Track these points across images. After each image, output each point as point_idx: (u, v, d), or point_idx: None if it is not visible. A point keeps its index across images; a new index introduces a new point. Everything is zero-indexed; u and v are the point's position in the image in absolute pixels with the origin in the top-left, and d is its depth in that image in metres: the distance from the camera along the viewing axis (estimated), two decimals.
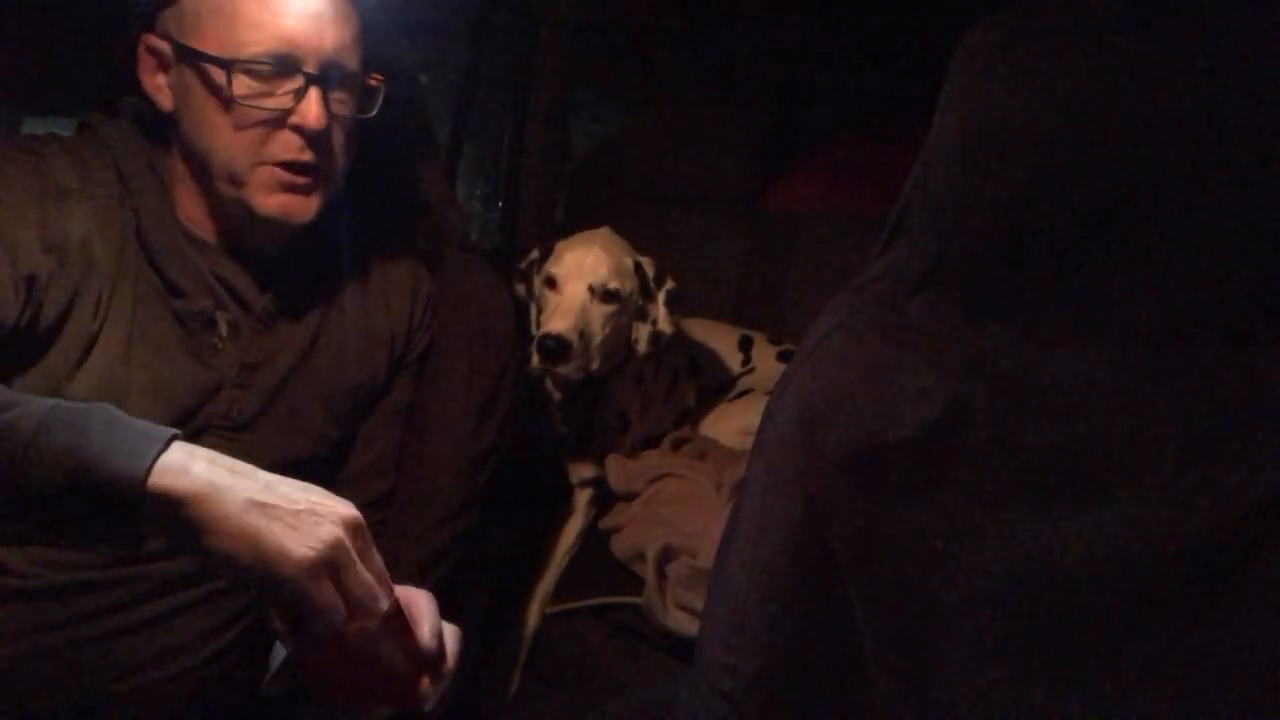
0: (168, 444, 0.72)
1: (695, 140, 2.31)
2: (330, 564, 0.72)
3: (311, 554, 0.71)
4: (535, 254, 1.66)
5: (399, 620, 0.83)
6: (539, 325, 1.57)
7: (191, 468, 0.71)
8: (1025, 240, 0.58)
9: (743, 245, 2.23)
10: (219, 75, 0.89)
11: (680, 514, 1.48)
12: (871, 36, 2.37)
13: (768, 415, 0.71)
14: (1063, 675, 0.56)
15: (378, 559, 0.78)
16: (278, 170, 0.93)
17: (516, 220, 2.34)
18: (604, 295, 1.55)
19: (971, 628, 0.59)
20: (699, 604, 1.25)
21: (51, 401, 0.73)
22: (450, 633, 0.88)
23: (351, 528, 0.75)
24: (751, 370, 1.90)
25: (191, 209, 0.97)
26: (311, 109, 0.91)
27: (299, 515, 0.73)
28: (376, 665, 0.82)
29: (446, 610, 0.89)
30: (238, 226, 0.98)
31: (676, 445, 1.73)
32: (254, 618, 1.00)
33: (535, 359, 1.50)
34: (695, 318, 2.03)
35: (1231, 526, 0.52)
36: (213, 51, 0.89)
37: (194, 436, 0.91)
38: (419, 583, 1.09)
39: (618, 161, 2.42)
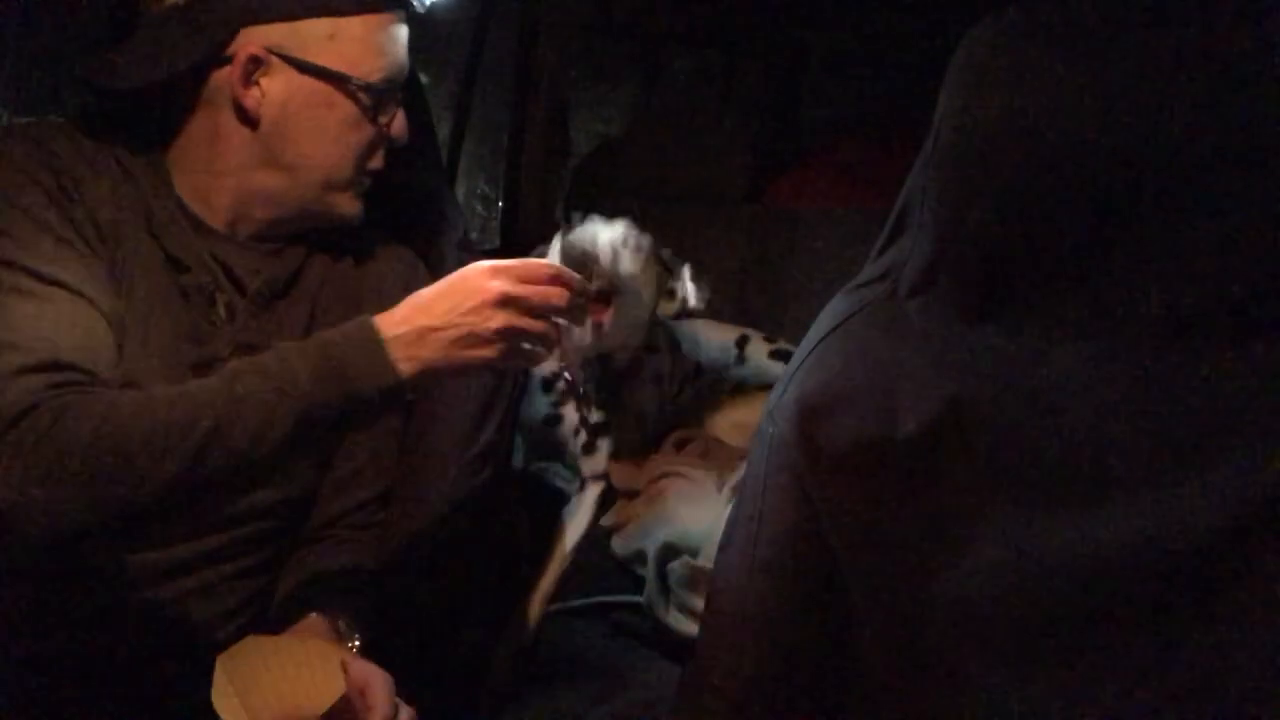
0: (383, 344, 0.87)
1: (695, 140, 2.31)
2: (505, 331, 0.89)
3: (494, 353, 0.90)
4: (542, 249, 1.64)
5: (347, 714, 0.82)
6: None
7: (414, 352, 0.88)
8: (1025, 240, 0.58)
9: (743, 245, 2.23)
10: (343, 92, 0.98)
11: (682, 513, 1.48)
12: (871, 36, 2.37)
13: (768, 415, 0.71)
14: (1063, 675, 0.56)
15: None
16: (367, 179, 1.05)
17: (516, 220, 2.34)
18: (635, 248, 1.48)
19: (971, 627, 0.59)
20: (699, 604, 1.25)
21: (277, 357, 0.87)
22: (406, 715, 0.89)
23: (496, 274, 0.90)
24: (745, 363, 1.91)
25: (195, 195, 0.98)
26: (401, 126, 1.04)
27: (465, 324, 0.88)
28: None
29: (446, 610, 0.89)
30: (243, 215, 1.00)
31: (679, 445, 1.73)
32: (257, 609, 1.01)
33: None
34: (695, 317, 2.03)
35: (1232, 526, 0.52)
36: (349, 71, 0.97)
37: None
38: (419, 582, 1.10)
39: (618, 161, 2.42)
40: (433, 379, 0.91)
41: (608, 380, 1.62)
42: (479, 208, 2.82)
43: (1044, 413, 0.58)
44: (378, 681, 0.86)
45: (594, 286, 0.93)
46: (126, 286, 0.92)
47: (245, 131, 0.97)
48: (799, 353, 0.72)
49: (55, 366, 0.80)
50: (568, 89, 2.33)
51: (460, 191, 2.59)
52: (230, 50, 0.94)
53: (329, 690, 0.82)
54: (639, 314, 1.57)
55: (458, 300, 0.88)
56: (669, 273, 1.64)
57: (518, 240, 2.32)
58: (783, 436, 0.68)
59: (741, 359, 1.92)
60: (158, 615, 0.94)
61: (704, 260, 2.23)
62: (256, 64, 0.94)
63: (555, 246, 1.36)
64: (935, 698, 0.61)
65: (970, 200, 0.61)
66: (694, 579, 1.31)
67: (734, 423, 1.77)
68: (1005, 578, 0.58)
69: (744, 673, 0.69)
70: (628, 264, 1.42)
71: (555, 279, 0.92)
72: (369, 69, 0.98)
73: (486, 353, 0.89)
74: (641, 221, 2.31)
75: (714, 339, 1.94)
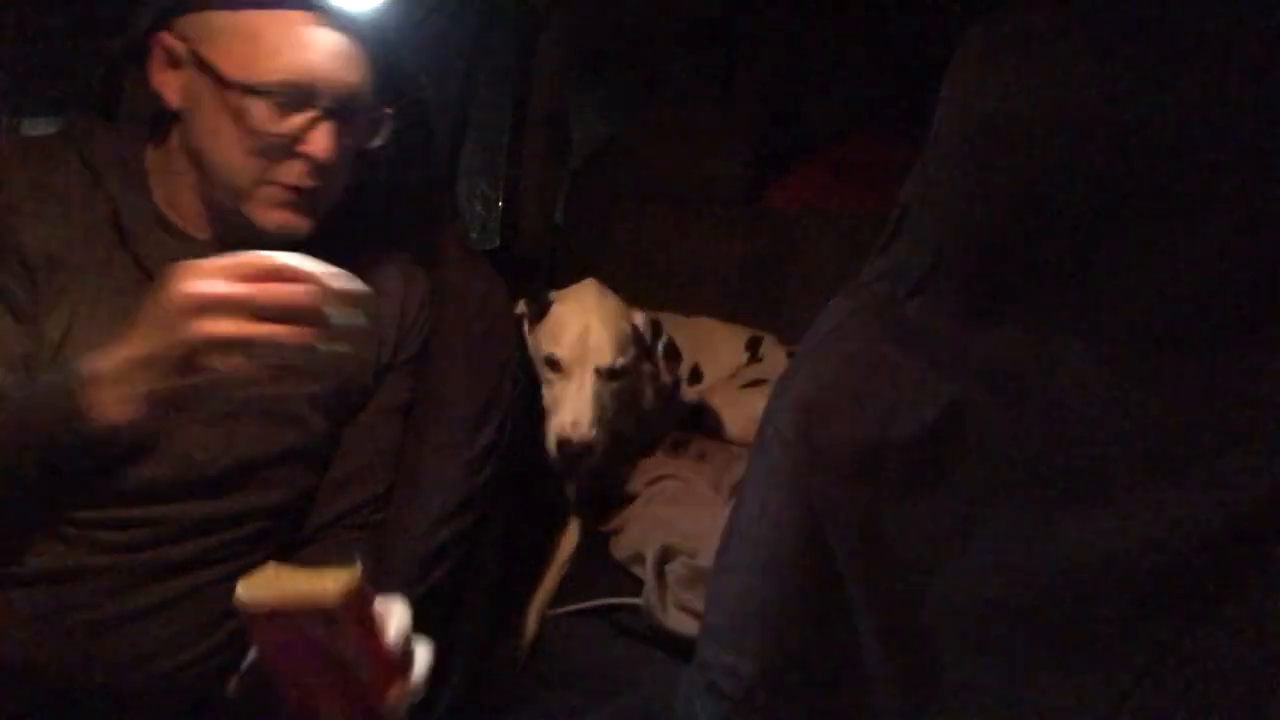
0: (78, 387, 0.75)
1: (695, 140, 2.31)
2: (211, 342, 0.72)
3: (209, 375, 0.72)
4: (522, 308, 1.58)
5: (363, 611, 0.78)
6: (544, 404, 1.52)
7: (122, 390, 0.74)
8: (1024, 240, 0.58)
9: (743, 245, 2.24)
10: (235, 92, 0.90)
11: (680, 514, 1.48)
12: (871, 36, 2.37)
13: (768, 415, 0.71)
14: (1062, 674, 0.56)
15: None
16: (281, 190, 0.95)
17: (516, 220, 2.35)
18: (611, 374, 1.51)
19: (971, 627, 0.59)
20: (699, 604, 1.25)
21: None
22: (423, 649, 0.86)
23: (184, 278, 0.73)
24: (760, 361, 1.91)
25: (179, 201, 0.98)
26: (322, 142, 0.93)
27: (159, 346, 0.73)
28: (340, 666, 0.78)
29: (446, 610, 0.89)
30: (228, 225, 0.98)
31: (676, 447, 1.73)
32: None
33: (554, 454, 1.46)
34: (699, 317, 2.03)
35: (1231, 526, 0.52)
36: (231, 71, 0.90)
37: (178, 424, 0.92)
38: (419, 582, 1.10)
39: (618, 161, 2.42)
40: (169, 411, 0.76)
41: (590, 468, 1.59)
42: (479, 208, 2.82)
43: (1043, 413, 0.58)
44: (396, 605, 0.84)
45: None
46: (71, 309, 0.90)
47: (176, 125, 0.95)
48: (799, 353, 0.72)
49: None
50: (568, 89, 2.33)
51: (460, 192, 2.59)
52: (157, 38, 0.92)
53: (347, 579, 0.81)
54: (628, 409, 1.56)
55: (149, 318, 0.74)
56: (645, 347, 1.61)
57: (518, 241, 2.33)
58: (783, 437, 0.68)
59: (756, 360, 1.92)
60: (155, 616, 0.94)
61: (704, 260, 2.24)
62: (169, 55, 0.92)
63: None
64: (935, 697, 0.61)
65: (970, 201, 0.61)
66: (694, 579, 1.31)
67: (749, 417, 1.75)
68: (1005, 577, 0.58)
69: (745, 672, 0.69)
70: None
71: (272, 274, 0.74)
72: (263, 70, 0.90)
73: (200, 376, 0.72)
74: (642, 221, 2.32)
75: (720, 340, 1.94)
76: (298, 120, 0.92)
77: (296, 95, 0.91)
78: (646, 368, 1.63)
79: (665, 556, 1.38)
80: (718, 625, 0.73)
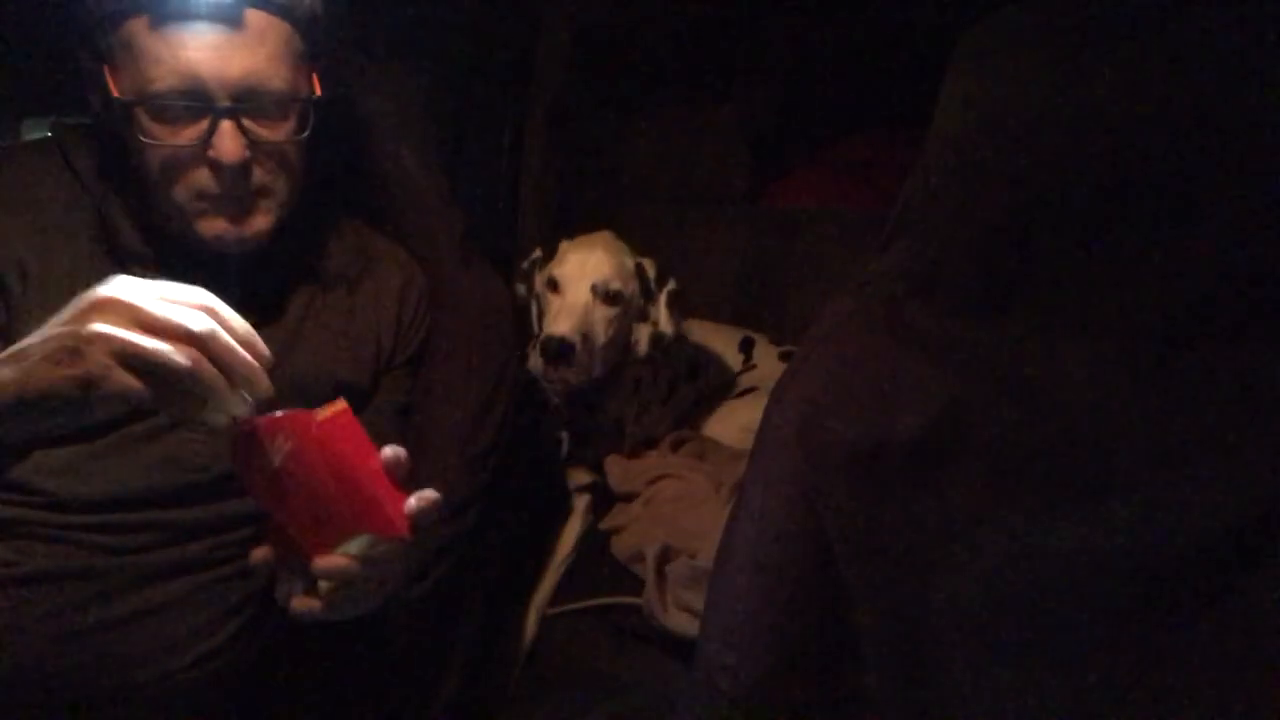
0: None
1: (695, 140, 2.31)
2: (101, 339, 0.64)
3: (79, 369, 0.63)
4: (538, 254, 1.66)
5: (348, 428, 0.73)
6: (540, 326, 1.57)
7: None
8: (1024, 240, 0.58)
9: (743, 245, 2.24)
10: (133, 105, 0.86)
11: (680, 514, 1.48)
12: (871, 36, 2.37)
13: (768, 415, 0.71)
14: (1062, 674, 0.56)
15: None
16: (206, 201, 0.90)
17: (516, 220, 2.35)
18: (606, 297, 1.55)
19: (971, 626, 0.59)
20: (699, 604, 1.25)
21: None
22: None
23: (121, 284, 0.67)
24: (753, 368, 1.90)
25: (152, 216, 0.96)
26: (225, 144, 0.87)
27: (56, 334, 0.65)
28: (339, 483, 0.73)
29: (446, 609, 0.88)
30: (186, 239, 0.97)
31: (676, 445, 1.73)
32: (249, 617, 1.01)
33: (538, 361, 1.49)
34: (695, 319, 2.03)
35: (1232, 525, 0.52)
36: (123, 88, 0.86)
37: (171, 430, 0.92)
38: (418, 583, 1.10)
39: (618, 161, 2.42)
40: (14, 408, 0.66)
41: (582, 394, 1.62)
42: (479, 208, 2.82)
43: (1044, 413, 0.58)
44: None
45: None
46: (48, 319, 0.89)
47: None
48: (799, 353, 0.72)
49: None
50: (568, 89, 2.33)
51: (460, 191, 2.59)
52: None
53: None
54: (617, 344, 1.60)
55: (66, 311, 0.68)
56: (650, 292, 1.65)
57: (518, 241, 2.33)
58: (783, 437, 0.68)
59: (749, 362, 1.92)
60: (159, 616, 0.94)
61: (704, 260, 2.24)
62: (92, 72, 0.90)
63: None
64: (935, 696, 0.61)
65: (970, 200, 0.61)
66: (694, 579, 1.31)
67: (741, 426, 1.76)
68: (1005, 577, 0.58)
69: (745, 672, 0.69)
70: None
71: (203, 312, 0.67)
72: (149, 80, 0.85)
73: (70, 370, 0.64)
74: (641, 221, 2.31)
75: (715, 342, 1.94)
76: (202, 125, 0.87)
77: (188, 99, 0.86)
78: (650, 312, 1.65)
79: (666, 556, 1.38)
80: (718, 625, 0.73)
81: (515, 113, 2.30)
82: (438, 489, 1.17)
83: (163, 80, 0.85)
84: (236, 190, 0.91)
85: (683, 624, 1.29)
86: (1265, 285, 0.53)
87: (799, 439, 0.66)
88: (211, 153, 0.88)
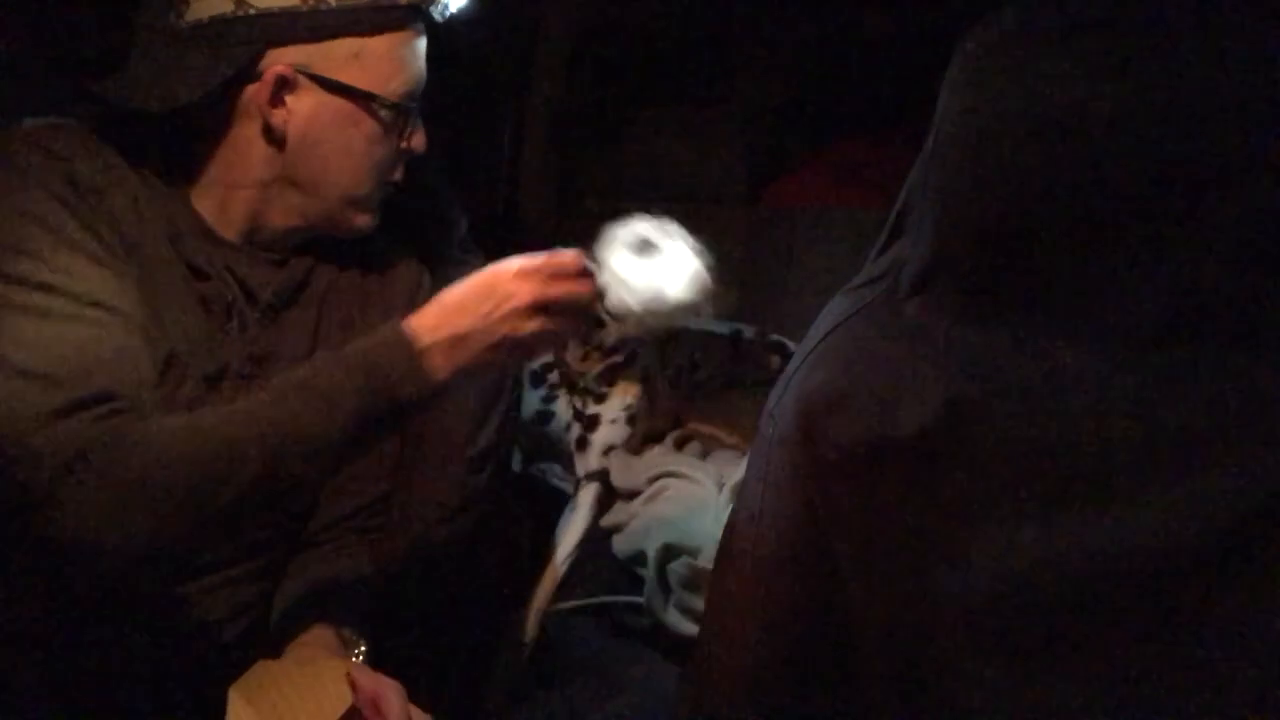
0: (421, 353, 0.87)
1: (695, 140, 2.31)
2: (540, 335, 0.91)
3: (526, 356, 0.95)
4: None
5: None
6: None
7: (449, 358, 0.88)
8: (1025, 240, 0.58)
9: (743, 245, 2.24)
10: (368, 110, 0.98)
11: (681, 514, 1.48)
12: (871, 36, 2.37)
13: (768, 415, 0.71)
14: (1063, 675, 0.56)
15: None
16: (381, 192, 1.04)
17: (516, 220, 2.35)
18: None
19: (971, 627, 0.59)
20: (699, 604, 1.25)
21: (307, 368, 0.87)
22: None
23: (526, 277, 0.90)
24: (745, 359, 1.91)
25: (211, 208, 0.98)
26: (421, 139, 1.04)
27: (499, 331, 0.89)
28: None
29: (447, 611, 0.89)
30: (258, 227, 1.00)
31: (679, 443, 1.73)
32: (260, 611, 1.01)
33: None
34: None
35: (1233, 527, 0.52)
36: (376, 90, 0.97)
37: None
38: (420, 585, 1.10)
39: (618, 161, 2.42)
40: (464, 380, 0.92)
41: (606, 372, 1.62)
42: (479, 207, 2.81)
43: (1044, 413, 0.58)
44: (389, 692, 0.86)
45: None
46: (149, 297, 0.92)
47: (268, 149, 0.97)
48: (799, 353, 0.72)
49: (97, 400, 0.79)
50: (568, 89, 2.33)
51: (460, 192, 2.58)
52: (259, 69, 0.94)
53: (338, 706, 0.82)
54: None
55: (490, 305, 0.89)
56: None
57: (518, 240, 2.32)
58: (783, 437, 0.68)
59: (736, 354, 1.92)
60: (161, 618, 0.94)
61: (703, 260, 2.23)
62: (284, 83, 0.94)
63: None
64: (935, 698, 0.61)
65: (970, 200, 0.61)
66: (695, 579, 1.31)
67: (735, 420, 1.77)
68: (1006, 578, 0.58)
69: (745, 673, 0.69)
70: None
71: (582, 272, 0.93)
72: (393, 86, 0.98)
73: (519, 355, 0.91)
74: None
75: (706, 335, 1.94)
76: (414, 124, 1.03)
77: (417, 101, 1.02)
78: None
79: (667, 556, 1.38)
80: (717, 625, 0.73)
81: (515, 113, 2.30)
82: (438, 489, 1.18)
83: (406, 87, 1.00)
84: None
85: (683, 624, 1.29)
86: (1265, 286, 0.53)
87: (799, 438, 0.66)
88: (415, 146, 1.04)
